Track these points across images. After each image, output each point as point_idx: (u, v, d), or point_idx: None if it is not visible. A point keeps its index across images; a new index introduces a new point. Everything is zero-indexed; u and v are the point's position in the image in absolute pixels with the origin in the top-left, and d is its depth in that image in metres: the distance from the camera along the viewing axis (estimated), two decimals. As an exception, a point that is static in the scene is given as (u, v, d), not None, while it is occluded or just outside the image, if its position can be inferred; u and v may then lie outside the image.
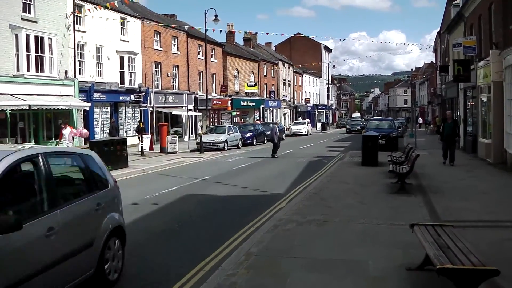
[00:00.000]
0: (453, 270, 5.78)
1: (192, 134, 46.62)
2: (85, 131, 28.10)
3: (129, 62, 37.26)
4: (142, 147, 30.44)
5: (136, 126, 36.49)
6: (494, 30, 22.45)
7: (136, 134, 35.13)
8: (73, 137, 26.27)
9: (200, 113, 48.69)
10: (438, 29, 57.03)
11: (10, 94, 26.11)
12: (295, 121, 72.66)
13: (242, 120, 59.55)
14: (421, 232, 7.32)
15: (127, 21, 37.90)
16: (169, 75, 43.96)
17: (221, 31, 44.76)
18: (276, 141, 29.49)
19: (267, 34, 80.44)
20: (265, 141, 43.42)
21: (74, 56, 31.76)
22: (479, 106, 25.53)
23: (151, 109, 37.28)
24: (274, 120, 66.47)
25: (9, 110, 25.90)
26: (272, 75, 73.70)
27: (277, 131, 30.73)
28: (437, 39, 60.57)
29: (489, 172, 19.05)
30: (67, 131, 25.91)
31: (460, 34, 32.04)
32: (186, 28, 45.38)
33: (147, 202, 14.59)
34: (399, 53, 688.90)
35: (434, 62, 74.74)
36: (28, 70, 27.52)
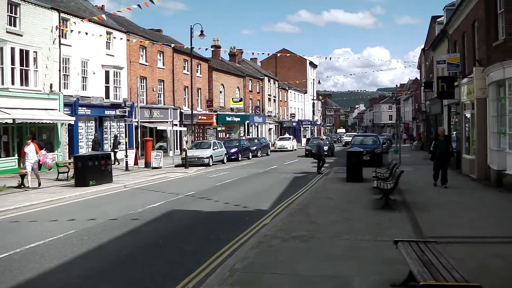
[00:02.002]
0: (436, 286, 5.80)
1: (177, 149, 46.54)
2: (50, 162, 23.51)
3: (114, 77, 37.21)
4: (126, 162, 30.29)
5: (113, 141, 36.28)
6: (477, 47, 22.71)
7: (111, 149, 34.87)
8: (39, 161, 22.11)
9: (185, 128, 48.65)
10: (423, 46, 57.56)
11: (-6, 108, 25.95)
12: (280, 136, 72.72)
13: (227, 135, 59.59)
14: (405, 249, 7.34)
15: (113, 36, 37.87)
16: (154, 90, 43.91)
17: (206, 49, 44.79)
18: (323, 156, 28.98)
19: (253, 53, 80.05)
20: (250, 157, 43.49)
21: (59, 70, 31.64)
22: (463, 123, 25.76)
23: (136, 123, 37.12)
24: (260, 135, 66.67)
25: (-7, 124, 25.76)
26: (258, 91, 73.90)
27: (323, 146, 30.31)
28: (421, 56, 61.13)
29: (473, 188, 19.16)
30: (30, 148, 21.54)
31: (444, 51, 32.39)
32: (172, 45, 45.30)
33: (131, 218, 14.49)
34: (383, 69, 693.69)
35: (419, 78, 75.33)
36: (13, 83, 27.37)
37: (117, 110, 35.62)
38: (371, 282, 7.72)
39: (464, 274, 6.03)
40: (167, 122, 44.28)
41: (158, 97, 45.05)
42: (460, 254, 8.79)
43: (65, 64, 32.59)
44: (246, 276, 8.12)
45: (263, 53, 71.25)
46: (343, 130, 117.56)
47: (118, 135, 37.52)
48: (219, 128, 54.63)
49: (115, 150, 34.27)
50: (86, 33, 33.75)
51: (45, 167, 23.58)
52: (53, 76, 30.99)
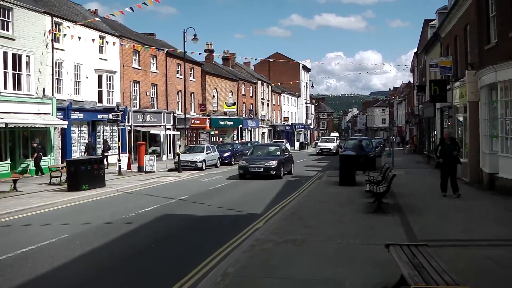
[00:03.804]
0: (427, 289, 5.81)
1: (170, 153, 46.49)
2: None
3: (107, 81, 37.15)
4: (119, 166, 30.23)
5: (103, 145, 36.07)
6: (469, 51, 22.83)
7: (101, 153, 34.58)
8: None
9: (178, 132, 48.60)
10: (415, 49, 57.77)
11: (-14, 112, 25.85)
12: (273, 140, 72.67)
13: (221, 139, 59.53)
14: (396, 252, 7.35)
15: (106, 40, 37.81)
16: (147, 94, 43.85)
17: (200, 53, 44.68)
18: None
19: (246, 58, 79.60)
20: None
21: (52, 74, 31.53)
22: (455, 126, 25.87)
23: (129, 128, 37.08)
24: (253, 139, 66.62)
25: (-15, 128, 25.64)
26: (251, 95, 73.87)
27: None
28: (414, 59, 61.32)
29: (466, 191, 19.16)
30: None
31: (436, 54, 32.53)
32: (165, 50, 45.23)
33: (123, 222, 14.46)
34: (376, 73, 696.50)
35: (412, 82, 75.51)
36: (5, 87, 27.30)
37: (110, 114, 35.55)
38: (363, 285, 7.74)
39: (455, 277, 6.04)
40: (160, 126, 44.25)
41: (151, 101, 44.99)
42: (452, 257, 8.82)
43: (58, 68, 32.49)
44: (238, 280, 8.11)
45: (256, 59, 70.41)
46: (336, 134, 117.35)
47: (108, 140, 37.41)
48: (212, 132, 54.56)
49: (105, 154, 34.12)
50: (79, 37, 33.72)
51: None
52: (46, 80, 30.89)
